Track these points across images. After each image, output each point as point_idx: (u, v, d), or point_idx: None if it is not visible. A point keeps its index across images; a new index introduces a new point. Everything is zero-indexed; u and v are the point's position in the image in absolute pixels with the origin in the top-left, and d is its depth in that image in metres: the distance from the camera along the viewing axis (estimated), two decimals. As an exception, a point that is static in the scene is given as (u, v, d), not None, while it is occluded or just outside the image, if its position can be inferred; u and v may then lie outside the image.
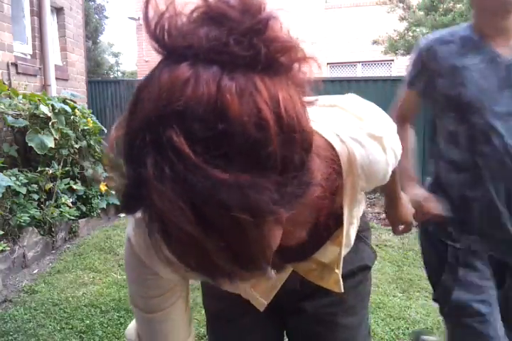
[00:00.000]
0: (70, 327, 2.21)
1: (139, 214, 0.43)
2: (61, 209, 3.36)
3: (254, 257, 0.41)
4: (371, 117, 0.69)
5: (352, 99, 0.72)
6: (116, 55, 21.23)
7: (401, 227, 1.20)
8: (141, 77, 11.77)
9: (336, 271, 0.77)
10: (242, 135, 0.36)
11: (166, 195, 0.36)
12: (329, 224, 0.70)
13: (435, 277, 1.33)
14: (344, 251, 0.76)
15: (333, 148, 0.60)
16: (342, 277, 0.81)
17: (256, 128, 0.37)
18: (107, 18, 15.09)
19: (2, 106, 3.31)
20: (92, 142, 4.01)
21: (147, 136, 0.37)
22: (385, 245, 3.75)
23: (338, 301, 0.89)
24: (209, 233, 0.38)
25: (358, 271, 0.91)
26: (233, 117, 0.36)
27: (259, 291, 0.79)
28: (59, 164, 3.52)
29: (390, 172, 0.72)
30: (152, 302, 0.71)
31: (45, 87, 4.34)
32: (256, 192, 0.37)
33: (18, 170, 3.27)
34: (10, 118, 3.37)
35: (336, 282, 0.79)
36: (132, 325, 0.80)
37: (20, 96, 3.50)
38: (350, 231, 0.75)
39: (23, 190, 3.12)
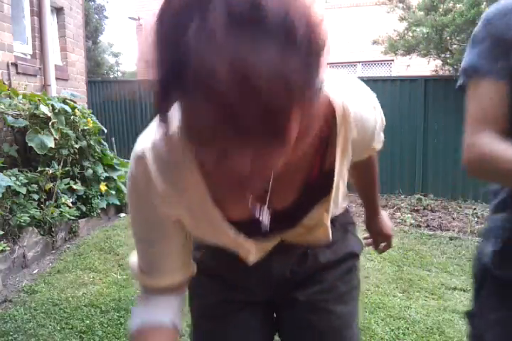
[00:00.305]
0: (70, 327, 2.21)
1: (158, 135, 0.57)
2: (61, 209, 3.36)
3: (259, 170, 0.48)
4: (359, 84, 0.76)
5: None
6: (116, 55, 21.23)
7: (382, 245, 1.17)
8: (141, 77, 11.76)
9: (325, 222, 0.78)
10: (279, 18, 0.41)
11: (208, 62, 0.39)
12: (320, 185, 0.72)
13: None
14: (332, 209, 0.78)
15: (329, 101, 0.64)
16: (330, 265, 0.88)
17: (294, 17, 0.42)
18: (107, 18, 15.10)
19: (2, 106, 3.31)
20: (92, 142, 4.01)
21: (193, 9, 0.41)
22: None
23: (329, 288, 0.90)
24: (246, 100, 0.40)
25: (346, 258, 0.93)
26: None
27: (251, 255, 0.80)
28: (59, 164, 3.52)
29: (376, 134, 0.80)
30: (151, 229, 0.72)
31: (45, 87, 4.34)
32: (288, 67, 0.41)
33: (18, 170, 3.27)
34: (10, 118, 3.37)
35: (324, 233, 0.80)
36: (134, 255, 0.83)
37: (20, 96, 3.50)
38: (339, 185, 0.75)
39: (23, 190, 3.12)
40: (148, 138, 0.65)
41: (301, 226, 0.79)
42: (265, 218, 0.68)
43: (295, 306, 0.91)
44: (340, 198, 0.80)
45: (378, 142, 0.85)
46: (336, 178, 0.72)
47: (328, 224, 0.79)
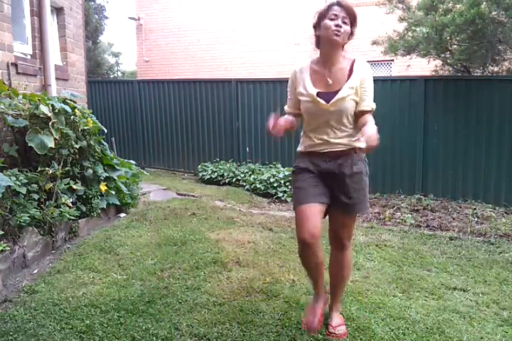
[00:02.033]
0: (70, 327, 2.21)
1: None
2: (61, 209, 3.36)
3: None
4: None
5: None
6: (116, 55, 21.23)
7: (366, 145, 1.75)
8: (141, 77, 11.77)
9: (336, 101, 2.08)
10: None
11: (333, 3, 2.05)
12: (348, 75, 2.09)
13: None
14: (350, 86, 2.06)
15: (355, 58, 2.15)
16: (352, 174, 2.10)
17: None
18: (107, 18, 15.07)
19: (2, 106, 3.31)
20: (92, 142, 4.01)
21: None
22: (385, 245, 3.75)
23: (349, 185, 2.10)
24: None
25: (359, 172, 2.12)
26: None
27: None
28: (59, 164, 3.52)
29: (368, 95, 2.10)
30: (290, 92, 2.25)
31: (45, 87, 4.34)
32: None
33: (18, 170, 3.27)
34: (10, 118, 3.38)
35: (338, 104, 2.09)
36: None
37: (20, 96, 3.50)
38: (347, 97, 2.06)
39: (23, 190, 3.12)
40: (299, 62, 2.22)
41: (335, 101, 2.05)
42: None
43: (340, 177, 2.10)
44: (347, 112, 2.07)
45: (370, 103, 2.10)
46: (345, 86, 2.06)
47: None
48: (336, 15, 1.99)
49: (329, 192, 2.12)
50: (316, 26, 2.08)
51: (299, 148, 2.24)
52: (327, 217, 2.18)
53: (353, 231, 2.29)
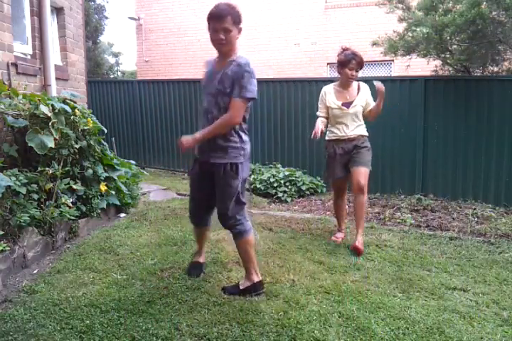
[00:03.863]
0: (70, 327, 2.21)
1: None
2: (61, 209, 3.36)
3: None
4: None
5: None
6: (116, 55, 21.24)
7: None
8: (141, 77, 11.77)
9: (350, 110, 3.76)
10: None
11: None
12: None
13: None
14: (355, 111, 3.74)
15: (360, 83, 3.84)
16: (361, 147, 3.74)
17: None
18: (107, 18, 15.08)
19: (2, 106, 3.31)
20: (92, 142, 4.01)
21: None
22: (385, 245, 3.75)
23: (358, 152, 3.73)
24: None
25: (364, 146, 3.76)
26: None
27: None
28: (59, 164, 3.52)
29: (370, 103, 3.77)
30: (321, 101, 3.86)
31: (45, 87, 4.34)
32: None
33: (18, 170, 3.27)
34: (10, 119, 3.38)
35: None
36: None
37: (20, 96, 3.50)
38: (357, 106, 3.72)
39: (23, 190, 3.12)
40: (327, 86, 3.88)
41: (352, 107, 3.70)
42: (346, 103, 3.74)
43: (353, 156, 3.74)
44: (358, 114, 3.73)
45: (373, 104, 3.73)
46: (357, 99, 3.71)
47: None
48: (352, 68, 3.59)
49: (349, 160, 3.73)
50: (340, 68, 3.67)
51: (327, 138, 3.83)
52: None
53: (367, 181, 3.65)
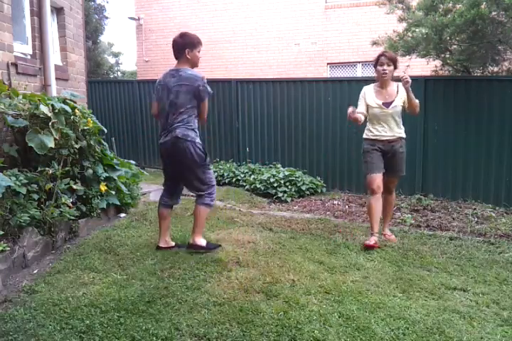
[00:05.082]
0: (70, 327, 2.21)
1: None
2: (61, 209, 3.35)
3: None
4: None
5: None
6: (116, 55, 21.25)
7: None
8: (141, 77, 11.77)
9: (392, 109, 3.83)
10: None
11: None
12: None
13: None
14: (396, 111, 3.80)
15: (398, 84, 3.84)
16: (400, 152, 3.92)
17: None
18: (107, 18, 15.09)
19: (2, 106, 3.31)
20: (92, 142, 4.00)
21: None
22: (385, 245, 3.75)
23: (398, 157, 3.93)
24: None
25: (403, 151, 3.95)
26: None
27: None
28: (59, 164, 3.52)
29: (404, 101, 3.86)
30: (360, 101, 3.91)
31: (45, 87, 4.34)
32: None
33: (18, 170, 3.27)
34: (10, 119, 3.37)
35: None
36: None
37: (20, 96, 3.50)
38: (397, 105, 3.77)
39: (23, 190, 3.11)
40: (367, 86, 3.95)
41: (392, 106, 3.75)
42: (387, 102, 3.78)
43: (391, 155, 3.87)
44: (398, 115, 3.80)
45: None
46: (397, 98, 3.76)
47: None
48: (382, 63, 3.70)
49: (384, 162, 3.82)
50: (375, 68, 3.81)
51: (365, 136, 3.90)
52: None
53: (396, 184, 4.11)
